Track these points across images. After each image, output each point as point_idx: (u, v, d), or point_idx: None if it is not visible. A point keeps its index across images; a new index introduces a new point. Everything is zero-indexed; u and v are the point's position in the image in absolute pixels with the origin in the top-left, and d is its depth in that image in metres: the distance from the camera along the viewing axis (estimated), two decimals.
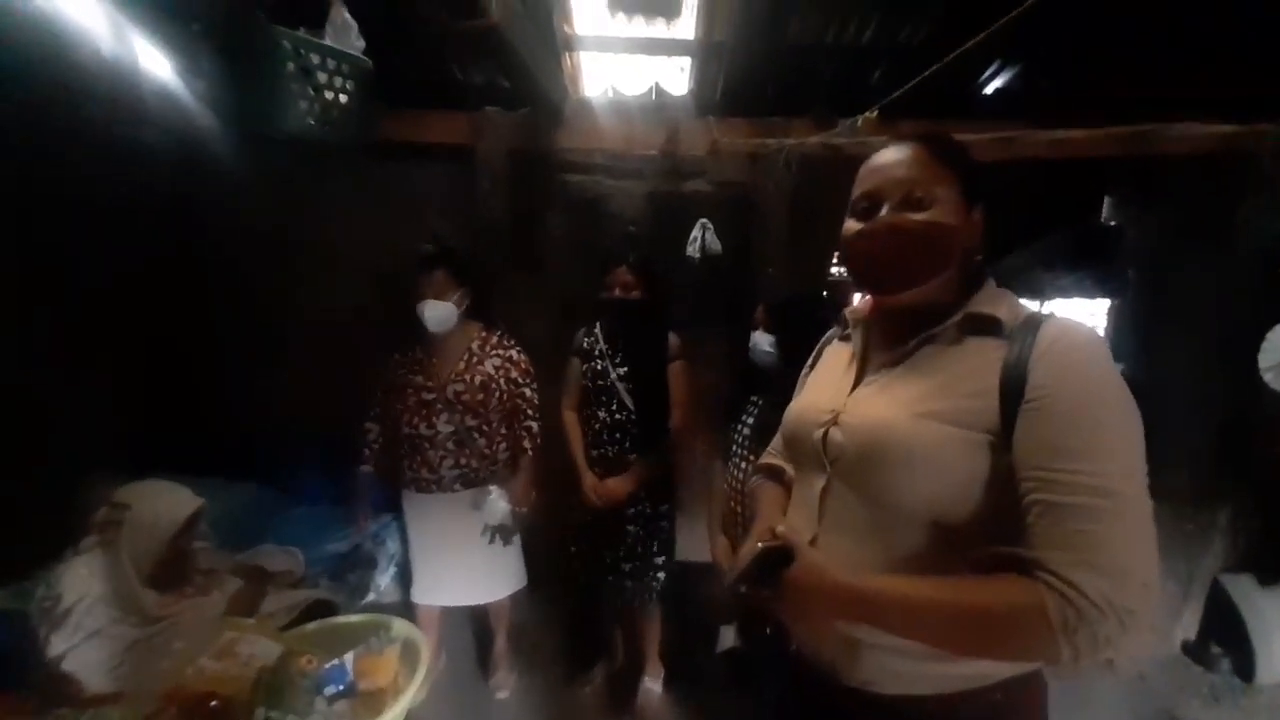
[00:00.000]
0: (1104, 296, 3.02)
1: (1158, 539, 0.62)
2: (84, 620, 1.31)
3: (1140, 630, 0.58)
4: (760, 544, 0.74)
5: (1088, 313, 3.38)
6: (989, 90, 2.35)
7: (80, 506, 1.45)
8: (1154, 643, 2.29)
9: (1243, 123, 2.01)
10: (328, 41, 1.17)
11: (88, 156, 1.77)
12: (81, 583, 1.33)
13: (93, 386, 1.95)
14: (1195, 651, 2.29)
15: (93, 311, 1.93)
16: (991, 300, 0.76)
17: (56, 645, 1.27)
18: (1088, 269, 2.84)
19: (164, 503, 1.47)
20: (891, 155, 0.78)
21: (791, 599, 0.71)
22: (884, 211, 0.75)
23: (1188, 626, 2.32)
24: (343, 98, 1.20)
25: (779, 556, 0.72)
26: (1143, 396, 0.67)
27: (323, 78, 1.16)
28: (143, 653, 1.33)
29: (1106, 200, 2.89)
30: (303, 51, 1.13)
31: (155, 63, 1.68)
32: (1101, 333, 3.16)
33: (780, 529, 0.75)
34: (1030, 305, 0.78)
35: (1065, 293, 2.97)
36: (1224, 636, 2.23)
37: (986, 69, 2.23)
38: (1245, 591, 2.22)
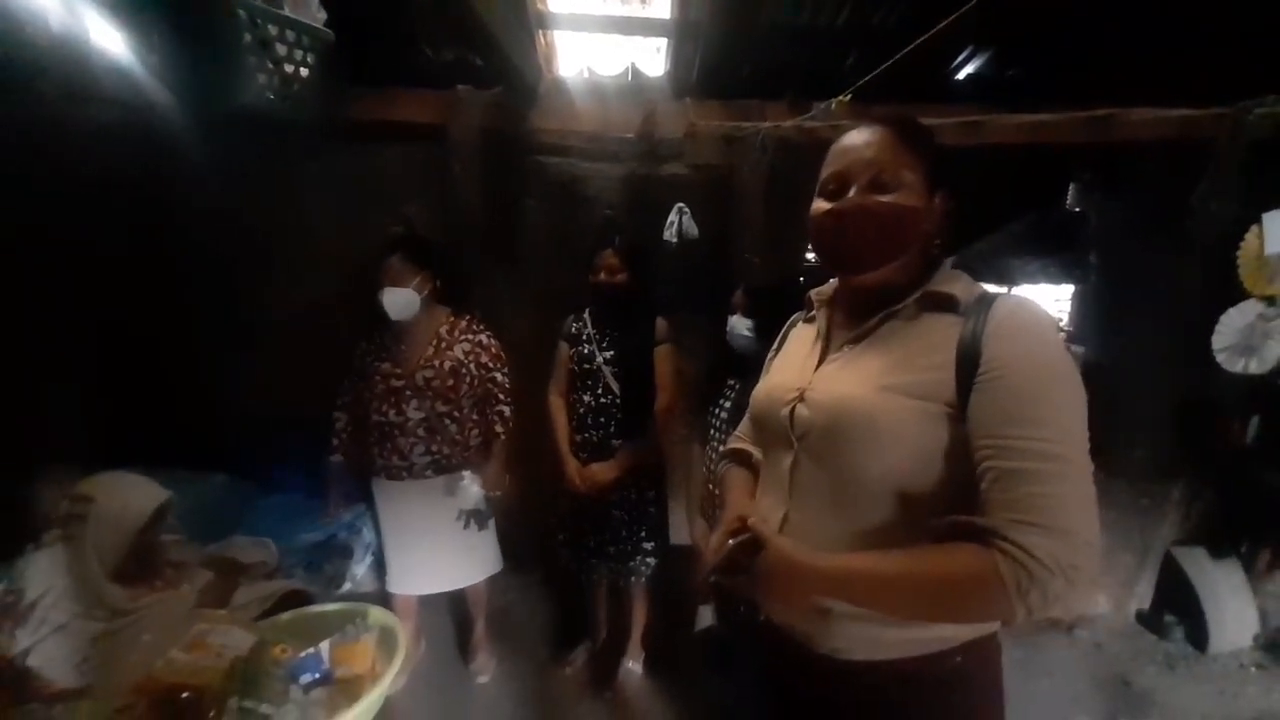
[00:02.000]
0: (1068, 282, 3.10)
1: (1115, 514, 0.66)
2: (48, 615, 1.28)
3: (1085, 586, 0.62)
4: (731, 540, 0.77)
5: (1052, 298, 3.47)
6: (961, 75, 2.38)
7: (42, 500, 1.41)
8: (1108, 609, 2.40)
9: (1202, 106, 2.07)
10: (286, 12, 1.12)
11: (41, 138, 1.68)
12: (44, 577, 1.30)
13: (56, 377, 1.88)
14: (1150, 620, 2.40)
15: (53, 299, 1.85)
16: (948, 280, 0.79)
17: (20, 640, 1.23)
18: (1052, 255, 2.91)
19: (129, 495, 1.43)
20: (860, 137, 0.80)
21: (764, 585, 0.74)
22: (852, 192, 0.78)
23: (1142, 597, 2.43)
24: (303, 71, 1.15)
25: (748, 547, 0.75)
26: (1104, 378, 0.71)
27: (282, 50, 1.11)
28: (110, 646, 1.30)
29: (1071, 187, 2.95)
30: (260, 22, 1.08)
31: (107, 37, 1.60)
32: (1065, 317, 3.28)
33: (752, 520, 0.77)
34: (998, 289, 0.80)
35: (1031, 278, 3.05)
36: (1177, 606, 2.35)
37: (959, 54, 2.25)
38: (1198, 563, 2.34)
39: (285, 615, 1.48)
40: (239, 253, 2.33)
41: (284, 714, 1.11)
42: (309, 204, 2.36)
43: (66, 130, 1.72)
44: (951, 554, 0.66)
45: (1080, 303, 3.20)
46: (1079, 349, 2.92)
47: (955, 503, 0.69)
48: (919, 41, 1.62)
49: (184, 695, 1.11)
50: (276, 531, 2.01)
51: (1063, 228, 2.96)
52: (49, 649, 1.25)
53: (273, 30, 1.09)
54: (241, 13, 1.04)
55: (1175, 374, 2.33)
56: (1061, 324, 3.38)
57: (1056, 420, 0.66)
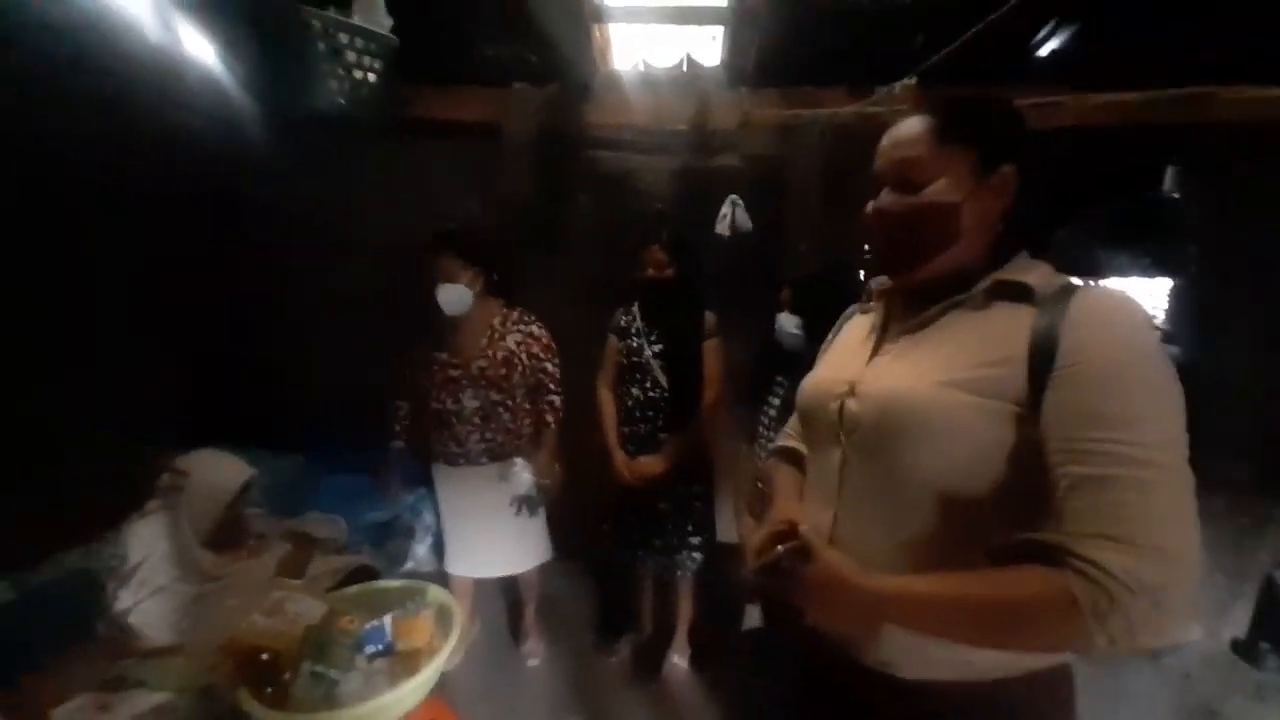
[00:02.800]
0: (1164, 275, 2.83)
1: (1211, 532, 0.58)
2: (149, 577, 1.41)
3: (1178, 610, 0.54)
4: (780, 547, 0.73)
5: (1147, 292, 3.19)
6: (1043, 53, 2.21)
7: (144, 473, 1.55)
8: (1201, 637, 2.21)
9: None
10: (356, 21, 1.18)
11: (138, 143, 1.84)
12: (146, 543, 1.44)
13: (155, 363, 2.06)
14: (1244, 649, 2.19)
15: (156, 293, 2.03)
16: (1023, 269, 0.72)
17: (123, 600, 1.37)
18: (1145, 245, 2.66)
19: (220, 471, 1.56)
20: (895, 134, 0.77)
21: (809, 599, 0.70)
22: (883, 194, 0.76)
23: (1238, 623, 2.22)
24: (371, 76, 1.21)
25: (795, 554, 0.71)
26: (1203, 382, 0.63)
27: (352, 57, 1.18)
28: (201, 609, 1.42)
29: (1169, 171, 2.69)
30: (332, 31, 1.15)
31: (198, 48, 1.73)
32: (1160, 315, 3.00)
33: (804, 528, 0.73)
34: (1084, 282, 0.73)
35: (1121, 270, 2.80)
36: (1274, 634, 2.13)
37: (1040, 30, 2.09)
38: None
39: (352, 588, 1.57)
40: (308, 244, 2.47)
41: (350, 680, 1.19)
42: (373, 197, 2.47)
43: (161, 134, 1.87)
44: (1020, 576, 0.59)
45: (1177, 299, 2.92)
46: (1175, 350, 2.67)
47: (1023, 511, 0.63)
48: (994, 16, 1.51)
49: (263, 657, 1.20)
50: (344, 510, 2.14)
51: (1158, 215, 2.70)
52: (149, 609, 1.38)
53: (344, 39, 1.16)
54: (316, 23, 1.11)
55: None
56: (1156, 322, 3.10)
57: (1146, 420, 0.58)
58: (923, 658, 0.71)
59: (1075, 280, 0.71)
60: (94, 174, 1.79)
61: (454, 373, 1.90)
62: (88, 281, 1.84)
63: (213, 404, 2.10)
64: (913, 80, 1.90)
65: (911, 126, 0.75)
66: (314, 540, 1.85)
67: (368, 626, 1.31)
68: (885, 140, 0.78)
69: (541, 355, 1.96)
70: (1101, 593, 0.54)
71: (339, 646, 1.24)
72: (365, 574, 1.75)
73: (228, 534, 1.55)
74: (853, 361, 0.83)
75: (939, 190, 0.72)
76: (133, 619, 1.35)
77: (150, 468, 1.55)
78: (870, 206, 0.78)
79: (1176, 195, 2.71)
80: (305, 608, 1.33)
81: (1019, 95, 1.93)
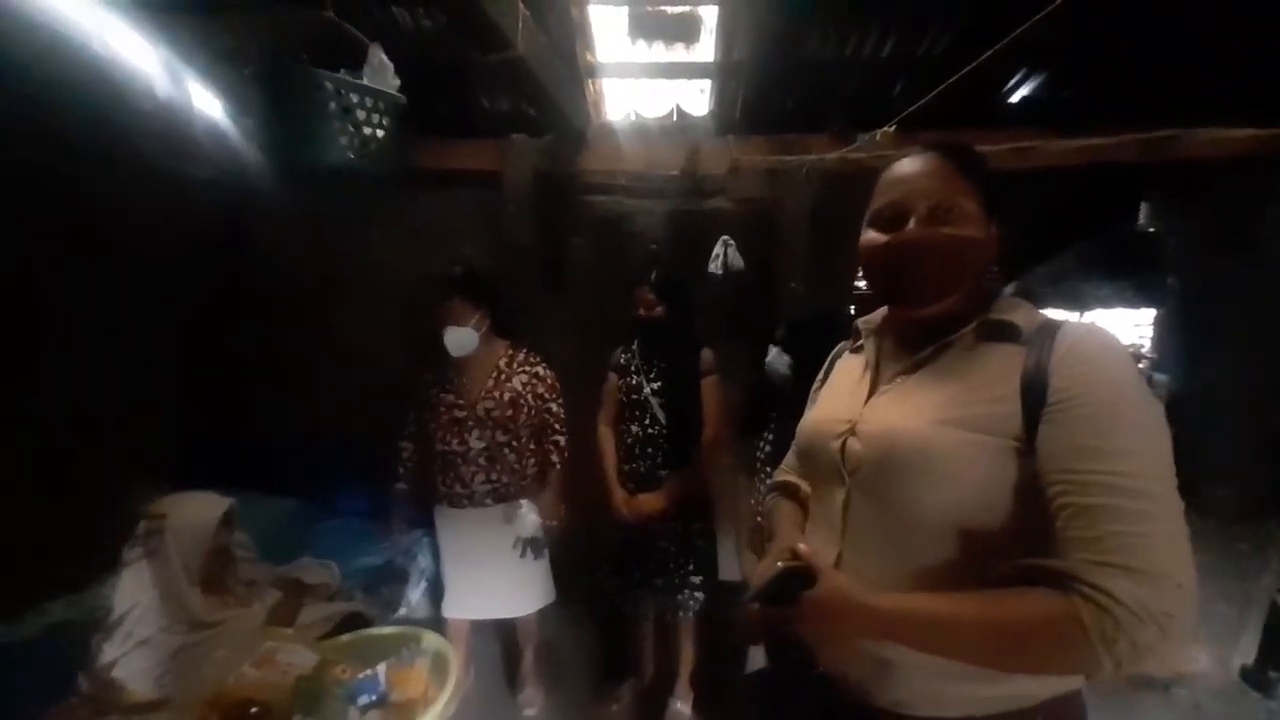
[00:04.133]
0: (1145, 305, 2.91)
1: (1211, 558, 0.60)
2: (134, 628, 1.37)
3: (1181, 637, 0.56)
4: (780, 564, 0.73)
5: (1132, 323, 3.26)
6: (1013, 100, 2.33)
7: (127, 520, 1.53)
8: (1209, 665, 2.17)
9: (1268, 126, 1.94)
10: (366, 81, 1.25)
11: (145, 190, 1.90)
12: (131, 592, 1.40)
13: (141, 408, 2.06)
14: (1253, 677, 2.15)
15: (141, 336, 2.04)
16: (1008, 308, 0.75)
17: (107, 654, 1.33)
18: (1126, 277, 2.74)
19: (197, 507, 1.53)
20: (915, 165, 0.77)
21: (816, 621, 0.70)
22: (911, 224, 0.75)
23: (1246, 651, 2.19)
24: (379, 132, 1.27)
25: (800, 577, 0.71)
26: (1193, 409, 0.66)
27: (361, 115, 1.24)
28: (188, 660, 1.38)
29: (1143, 206, 2.80)
30: (343, 92, 1.21)
31: (208, 104, 1.82)
32: (1147, 344, 3.07)
33: (802, 548, 0.74)
34: (1070, 315, 0.76)
35: (1105, 302, 2.87)
36: None
37: (1009, 79, 2.21)
38: None
39: (345, 636, 1.54)
40: (311, 289, 2.51)
41: None
42: (376, 243, 2.54)
43: (169, 183, 1.94)
44: (1025, 598, 0.61)
45: (1162, 328, 3.00)
46: (1163, 378, 2.72)
47: (1027, 544, 0.64)
48: (970, 67, 1.60)
49: (252, 710, 1.17)
50: (339, 554, 2.10)
51: (1135, 248, 2.79)
52: (133, 662, 1.34)
53: (354, 98, 1.22)
54: (328, 84, 1.18)
55: (1272, 402, 2.14)
56: (1144, 351, 3.16)
57: (1137, 452, 0.60)
58: (936, 696, 0.71)
59: (1054, 316, 0.74)
60: (101, 221, 1.84)
61: (460, 414, 1.90)
62: (84, 325, 1.86)
63: (206, 449, 2.09)
64: (891, 128, 1.99)
65: (930, 160, 0.77)
66: (306, 587, 1.81)
67: (361, 676, 1.28)
68: (904, 171, 0.78)
69: (547, 396, 1.96)
70: (1108, 618, 0.55)
71: (331, 698, 1.21)
72: (358, 621, 1.71)
73: (217, 569, 1.51)
74: (851, 401, 0.84)
75: (970, 225, 0.74)
76: (117, 672, 1.30)
77: (134, 515, 1.52)
78: (886, 238, 0.76)
79: (1152, 229, 2.81)
80: (297, 658, 1.30)
81: (995, 140, 2.04)
